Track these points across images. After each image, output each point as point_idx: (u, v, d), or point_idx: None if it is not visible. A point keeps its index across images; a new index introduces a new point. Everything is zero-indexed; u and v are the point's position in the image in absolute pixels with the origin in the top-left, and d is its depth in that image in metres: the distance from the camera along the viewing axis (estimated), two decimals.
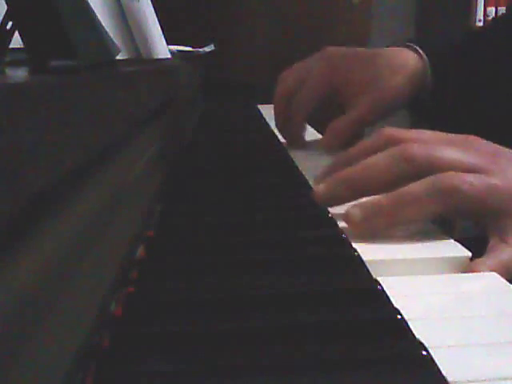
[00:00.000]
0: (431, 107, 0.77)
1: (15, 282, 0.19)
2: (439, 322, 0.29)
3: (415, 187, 0.41)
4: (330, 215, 0.44)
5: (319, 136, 0.93)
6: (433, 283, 0.34)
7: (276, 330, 0.27)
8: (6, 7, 0.34)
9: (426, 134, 0.46)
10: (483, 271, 0.37)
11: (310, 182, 0.55)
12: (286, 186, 0.56)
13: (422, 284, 0.34)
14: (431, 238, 0.42)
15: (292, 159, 0.69)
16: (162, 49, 0.77)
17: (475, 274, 0.37)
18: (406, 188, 0.41)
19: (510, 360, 0.26)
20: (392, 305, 0.29)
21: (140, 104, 0.46)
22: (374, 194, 0.44)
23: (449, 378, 0.23)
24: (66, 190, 0.25)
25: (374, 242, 0.41)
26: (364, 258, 0.36)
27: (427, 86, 0.75)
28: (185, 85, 0.88)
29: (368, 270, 0.34)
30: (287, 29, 2.01)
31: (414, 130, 0.46)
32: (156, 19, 0.78)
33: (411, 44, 0.77)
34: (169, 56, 0.81)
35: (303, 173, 0.60)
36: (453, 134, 0.45)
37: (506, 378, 0.24)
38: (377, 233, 0.41)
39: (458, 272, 0.38)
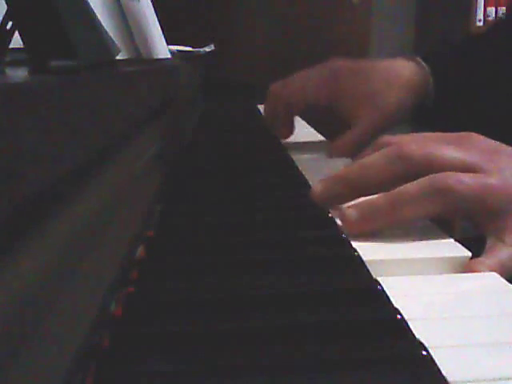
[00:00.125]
0: (434, 115, 0.77)
1: (15, 282, 0.19)
2: (439, 322, 0.29)
3: (411, 187, 0.41)
4: (329, 215, 0.44)
5: (319, 136, 0.93)
6: (433, 283, 0.34)
7: (276, 330, 0.27)
8: (5, 7, 0.34)
9: (423, 134, 0.46)
10: (482, 271, 0.37)
11: (310, 183, 0.55)
12: (286, 186, 0.56)
13: (422, 284, 0.34)
14: (431, 237, 0.42)
15: (292, 159, 0.69)
16: (162, 49, 0.77)
17: (475, 274, 0.37)
18: (402, 188, 0.41)
19: (510, 360, 0.26)
20: (392, 305, 0.29)
21: (140, 104, 0.46)
22: (372, 194, 0.44)
23: (449, 378, 0.23)
24: (65, 190, 0.25)
25: (373, 242, 0.41)
26: (364, 258, 0.36)
27: (430, 94, 0.75)
28: (185, 85, 0.88)
29: (368, 270, 0.34)
30: (287, 29, 2.01)
31: (410, 134, 0.46)
32: (156, 19, 0.78)
33: (411, 55, 0.77)
34: (169, 56, 0.81)
35: (303, 173, 0.60)
36: (450, 133, 0.45)
37: (506, 378, 0.24)
38: (373, 233, 0.41)
39: (457, 272, 0.38)
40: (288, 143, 0.83)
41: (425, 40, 2.39)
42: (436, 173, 0.41)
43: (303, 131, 0.92)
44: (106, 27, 0.47)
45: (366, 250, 0.37)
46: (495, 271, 0.37)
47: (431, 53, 0.79)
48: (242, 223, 0.44)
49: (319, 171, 0.57)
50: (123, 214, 0.36)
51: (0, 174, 0.17)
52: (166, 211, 0.47)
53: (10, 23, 0.35)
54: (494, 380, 0.24)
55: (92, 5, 0.44)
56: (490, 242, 0.40)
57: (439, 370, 0.24)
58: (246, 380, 0.24)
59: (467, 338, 0.27)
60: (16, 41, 0.35)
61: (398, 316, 0.28)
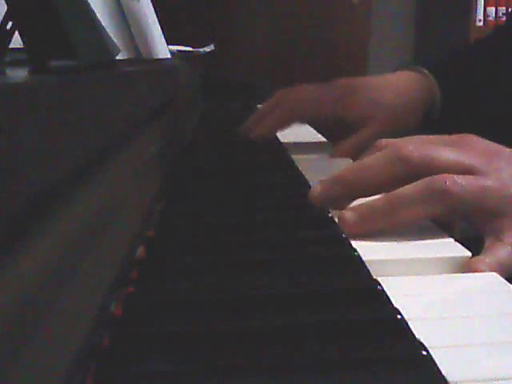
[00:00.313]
0: (441, 124, 0.77)
1: (15, 282, 0.19)
2: (439, 322, 0.29)
3: (410, 189, 0.41)
4: (329, 215, 0.44)
5: (319, 136, 0.93)
6: (433, 283, 0.34)
7: (276, 330, 0.27)
8: (6, 7, 0.34)
9: (421, 137, 0.46)
10: (482, 269, 0.37)
11: (310, 183, 0.55)
12: (286, 186, 0.56)
13: (422, 284, 0.34)
14: (431, 237, 0.42)
15: (292, 159, 0.69)
16: (162, 49, 0.77)
17: (475, 274, 0.37)
18: (400, 190, 0.41)
19: (510, 360, 0.26)
20: (392, 305, 0.29)
21: (140, 104, 0.46)
22: (370, 195, 0.44)
23: (449, 378, 0.23)
24: (65, 190, 0.25)
25: (373, 242, 0.41)
26: (364, 258, 0.36)
27: (436, 104, 0.76)
28: (185, 85, 0.88)
29: (368, 270, 0.34)
30: (287, 29, 2.01)
31: (408, 137, 0.47)
32: (156, 19, 0.78)
33: (415, 66, 0.78)
34: (169, 56, 0.81)
35: (303, 173, 0.60)
36: (448, 135, 0.45)
37: (506, 378, 0.24)
38: (371, 234, 0.41)
39: (457, 272, 0.38)
40: (288, 143, 0.83)
41: (425, 40, 2.39)
42: (434, 174, 0.41)
43: (303, 131, 0.92)
44: (106, 27, 0.47)
45: (366, 250, 0.37)
46: (494, 270, 0.37)
47: (435, 62, 0.80)
48: (242, 223, 0.44)
49: (319, 171, 0.57)
50: (123, 214, 0.36)
51: (0, 174, 0.17)
52: (166, 211, 0.47)
53: (10, 23, 0.35)
54: (494, 380, 0.24)
55: (92, 5, 0.44)
56: (488, 241, 0.40)
57: (439, 370, 0.24)
58: (246, 380, 0.24)
59: (467, 338, 0.27)
60: (16, 41, 0.35)
61: (398, 316, 0.28)
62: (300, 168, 0.63)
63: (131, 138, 0.42)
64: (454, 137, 0.45)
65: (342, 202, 0.45)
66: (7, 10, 0.34)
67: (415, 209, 0.41)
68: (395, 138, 0.47)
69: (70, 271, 0.24)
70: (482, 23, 2.22)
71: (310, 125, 0.94)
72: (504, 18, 2.22)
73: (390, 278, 0.34)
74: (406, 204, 0.41)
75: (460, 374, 0.24)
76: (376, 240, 0.41)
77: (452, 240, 0.41)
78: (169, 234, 0.42)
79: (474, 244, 0.40)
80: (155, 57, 0.74)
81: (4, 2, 0.33)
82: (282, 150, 0.77)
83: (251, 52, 1.99)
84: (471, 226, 0.43)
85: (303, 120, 0.82)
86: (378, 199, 0.42)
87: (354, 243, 0.39)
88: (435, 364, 0.24)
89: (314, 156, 0.75)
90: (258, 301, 0.30)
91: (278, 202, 0.50)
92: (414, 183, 0.41)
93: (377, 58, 2.21)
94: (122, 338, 0.26)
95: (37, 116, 0.21)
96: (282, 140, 0.84)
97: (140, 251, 0.37)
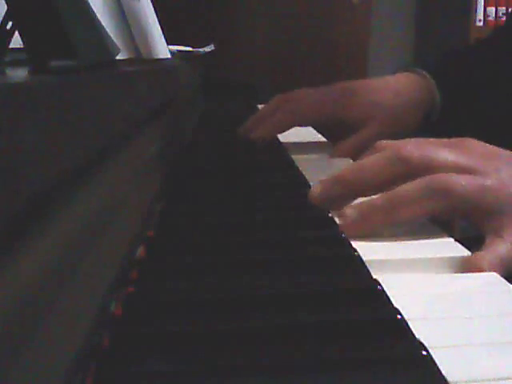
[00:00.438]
0: (442, 124, 0.78)
1: (15, 282, 0.19)
2: (439, 322, 0.29)
3: (409, 187, 0.41)
4: (329, 215, 0.44)
5: (319, 136, 0.93)
6: (432, 283, 0.34)
7: (276, 330, 0.27)
8: (5, 7, 0.34)
9: (420, 139, 0.46)
10: (483, 266, 0.37)
11: (310, 183, 0.55)
12: (286, 186, 0.56)
13: (422, 283, 0.34)
14: (431, 237, 0.42)
15: (292, 159, 0.69)
16: (162, 49, 0.77)
17: (475, 274, 0.37)
18: (400, 188, 0.42)
19: (510, 360, 0.26)
20: (392, 305, 0.29)
21: (140, 104, 0.46)
22: (370, 195, 0.44)
23: (449, 378, 0.23)
24: (66, 189, 0.25)
25: (373, 242, 0.41)
26: (364, 257, 0.36)
27: (436, 104, 0.76)
28: (185, 85, 0.88)
29: (368, 270, 0.34)
30: (287, 29, 2.01)
31: (407, 139, 0.47)
32: (156, 19, 0.78)
33: (414, 68, 0.78)
34: (169, 56, 0.81)
35: (303, 173, 0.60)
36: (447, 139, 0.46)
37: (505, 378, 0.24)
38: (371, 233, 0.42)
39: (457, 272, 0.38)
40: (288, 143, 0.83)
41: (425, 40, 2.39)
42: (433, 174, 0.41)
43: (303, 131, 0.92)
44: (106, 27, 0.47)
45: (366, 250, 0.37)
46: (495, 266, 0.37)
47: (435, 64, 0.80)
48: (242, 223, 0.44)
49: (319, 171, 0.57)
50: (123, 214, 0.36)
51: (0, 173, 0.17)
52: (166, 211, 0.47)
53: (10, 23, 0.35)
54: (493, 380, 0.24)
55: (92, 5, 0.44)
56: (488, 239, 0.40)
57: (439, 370, 0.24)
58: (246, 380, 0.24)
59: (467, 338, 0.27)
60: (16, 41, 0.35)
61: (398, 316, 0.28)
62: (300, 168, 0.63)
63: (131, 138, 0.42)
64: (452, 140, 0.45)
65: (341, 201, 0.46)
66: (7, 10, 0.34)
67: (415, 207, 0.41)
68: (395, 139, 0.47)
69: (69, 271, 0.24)
70: (481, 23, 2.22)
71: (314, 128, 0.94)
72: (504, 18, 2.22)
73: (389, 275, 0.34)
74: (406, 202, 0.41)
75: (460, 374, 0.24)
76: (376, 240, 0.41)
77: (452, 240, 0.41)
78: (169, 234, 0.42)
79: (474, 244, 0.40)
80: (155, 57, 0.74)
81: (4, 2, 0.33)
82: (282, 150, 0.77)
83: (251, 52, 1.99)
84: (471, 225, 0.43)
85: (304, 123, 0.82)
86: (378, 197, 0.42)
87: (354, 243, 0.39)
88: (435, 364, 0.24)
89: (313, 156, 0.75)
90: (258, 301, 0.30)
91: (278, 201, 0.50)
92: (415, 181, 0.41)
93: (377, 58, 2.21)
94: (122, 337, 0.26)
95: (37, 116, 0.21)
96: (281, 140, 0.84)
97: (140, 251, 0.37)
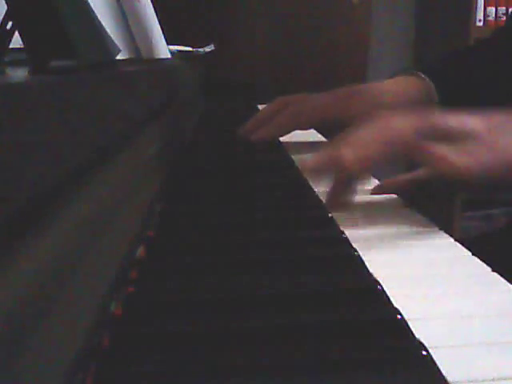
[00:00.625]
0: None
1: (15, 282, 0.19)
2: (439, 322, 0.29)
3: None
4: (330, 215, 0.44)
5: (319, 136, 0.93)
6: (432, 283, 0.34)
7: (276, 330, 0.27)
8: (5, 7, 0.34)
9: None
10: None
11: (311, 183, 0.55)
12: (286, 186, 0.56)
13: (422, 283, 0.34)
14: (431, 237, 0.42)
15: (292, 159, 0.69)
16: (162, 49, 0.77)
17: (475, 274, 0.37)
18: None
19: (510, 360, 0.26)
20: (392, 305, 0.29)
21: (140, 104, 0.46)
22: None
23: (449, 378, 0.23)
24: (65, 189, 0.25)
25: (374, 243, 0.41)
26: (364, 257, 0.36)
27: (435, 107, 0.77)
28: (185, 85, 0.88)
29: (368, 270, 0.34)
30: (287, 29, 2.01)
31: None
32: (156, 19, 0.78)
33: (413, 71, 0.78)
34: (169, 56, 0.81)
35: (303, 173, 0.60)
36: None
37: (506, 378, 0.24)
38: (371, 235, 0.42)
39: (457, 272, 0.38)
40: (288, 143, 0.83)
41: (425, 40, 2.39)
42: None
43: (303, 131, 0.92)
44: (106, 27, 0.47)
45: (366, 251, 0.37)
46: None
47: (434, 66, 0.80)
48: (242, 223, 0.44)
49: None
50: (123, 214, 0.36)
51: (0, 173, 0.17)
52: (166, 211, 0.47)
53: (10, 23, 0.35)
54: (494, 380, 0.24)
55: (92, 5, 0.44)
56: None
57: (439, 370, 0.24)
58: (246, 380, 0.24)
59: (467, 337, 0.27)
60: (16, 41, 0.35)
61: (398, 316, 0.28)
62: (300, 168, 0.63)
63: (131, 138, 0.42)
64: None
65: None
66: (7, 9, 0.34)
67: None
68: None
69: (69, 271, 0.24)
70: (481, 23, 2.22)
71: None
72: (504, 18, 2.22)
73: (392, 278, 0.34)
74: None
75: (460, 374, 0.24)
76: (376, 240, 0.41)
77: (452, 240, 0.41)
78: (169, 233, 0.42)
79: (474, 244, 0.40)
80: (155, 57, 0.74)
81: (4, 2, 0.33)
82: (282, 150, 0.77)
83: (251, 52, 1.99)
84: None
85: (305, 126, 0.82)
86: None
87: (355, 244, 0.39)
88: (435, 364, 0.24)
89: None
90: (258, 301, 0.30)
91: (278, 201, 0.50)
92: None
93: (377, 57, 2.21)
94: (122, 337, 0.26)
95: (37, 116, 0.21)
96: (281, 140, 0.84)
97: (140, 251, 0.37)
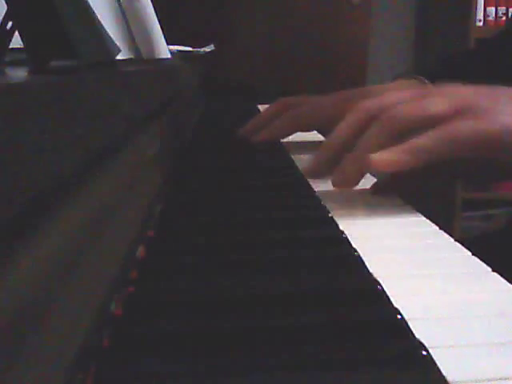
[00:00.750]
0: None
1: (15, 282, 0.19)
2: (439, 322, 0.29)
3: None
4: (330, 215, 0.44)
5: (319, 136, 0.93)
6: (432, 283, 0.34)
7: (276, 330, 0.27)
8: (5, 7, 0.34)
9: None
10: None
11: (311, 183, 0.55)
12: (286, 186, 0.56)
13: (422, 284, 0.34)
14: (431, 237, 0.42)
15: (292, 159, 0.69)
16: (162, 49, 0.77)
17: (475, 274, 0.37)
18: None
19: (510, 360, 0.26)
20: (392, 305, 0.29)
21: (140, 104, 0.46)
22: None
23: (449, 378, 0.23)
24: (66, 189, 0.25)
25: (373, 243, 0.41)
26: (364, 257, 0.36)
27: None
28: (185, 85, 0.88)
29: (368, 270, 0.34)
30: (287, 29, 2.01)
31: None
32: (156, 19, 0.78)
33: (413, 75, 0.79)
34: (169, 56, 0.81)
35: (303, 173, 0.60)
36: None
37: (506, 378, 0.24)
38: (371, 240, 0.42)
39: (458, 272, 0.38)
40: (288, 143, 0.83)
41: (425, 40, 2.39)
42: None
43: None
44: (106, 27, 0.47)
45: (366, 252, 0.37)
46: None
47: (434, 70, 0.81)
48: (241, 223, 0.44)
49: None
50: (123, 214, 0.36)
51: (0, 173, 0.17)
52: (166, 211, 0.47)
53: (10, 23, 0.35)
54: (493, 380, 0.24)
55: (92, 5, 0.44)
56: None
57: (439, 370, 0.24)
58: (246, 380, 0.24)
59: (467, 338, 0.27)
60: (16, 41, 0.35)
61: (398, 316, 0.28)
62: (300, 168, 0.63)
63: (131, 138, 0.42)
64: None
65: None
66: (7, 9, 0.34)
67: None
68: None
69: (69, 271, 0.24)
70: (481, 23, 2.22)
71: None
72: (504, 18, 2.22)
73: (390, 274, 0.34)
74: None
75: (460, 373, 0.24)
76: (375, 240, 0.41)
77: (452, 240, 0.41)
78: (169, 233, 0.42)
79: (474, 244, 0.40)
80: (155, 57, 0.74)
81: (4, 2, 0.33)
82: (282, 149, 0.77)
83: (251, 52, 1.99)
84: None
85: (306, 129, 0.82)
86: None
87: (355, 244, 0.39)
88: (435, 364, 0.24)
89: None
90: (258, 301, 0.30)
91: (278, 201, 0.50)
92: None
93: (376, 58, 2.21)
94: (122, 337, 0.26)
95: (37, 116, 0.21)
96: (282, 140, 0.84)
97: (140, 251, 0.37)
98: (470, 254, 0.39)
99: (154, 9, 0.79)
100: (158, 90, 0.56)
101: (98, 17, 0.45)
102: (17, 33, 0.34)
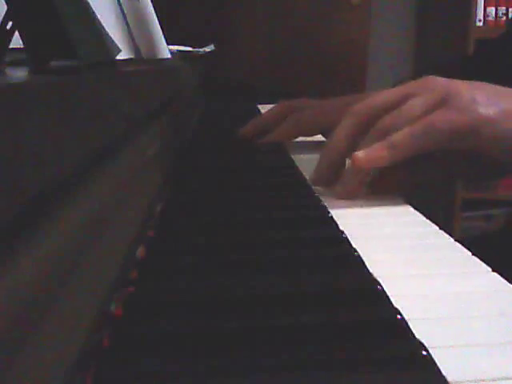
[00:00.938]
0: None
1: (15, 282, 0.19)
2: (439, 322, 0.29)
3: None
4: (330, 215, 0.44)
5: (319, 136, 0.93)
6: (433, 283, 0.34)
7: (276, 330, 0.27)
8: (5, 7, 0.34)
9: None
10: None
11: (310, 183, 0.55)
12: (286, 186, 0.56)
13: (422, 284, 0.34)
14: (431, 237, 0.42)
15: (292, 159, 0.69)
16: (162, 49, 0.77)
17: (475, 274, 0.37)
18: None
19: (510, 360, 0.26)
20: (392, 305, 0.29)
21: (140, 104, 0.46)
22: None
23: (449, 378, 0.23)
24: (66, 189, 0.25)
25: (373, 242, 0.41)
26: (364, 256, 0.36)
27: None
28: (185, 85, 0.88)
29: (368, 270, 0.34)
30: (287, 29, 2.01)
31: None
32: (156, 19, 0.78)
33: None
34: (169, 56, 0.81)
35: (303, 173, 0.60)
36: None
37: (506, 378, 0.24)
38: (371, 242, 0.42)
39: (457, 272, 0.38)
40: (288, 143, 0.83)
41: (425, 41, 2.39)
42: None
43: None
44: (106, 27, 0.47)
45: (367, 252, 0.37)
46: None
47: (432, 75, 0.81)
48: (241, 223, 0.44)
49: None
50: (123, 214, 0.36)
51: (0, 173, 0.17)
52: (165, 211, 0.47)
53: (10, 23, 0.35)
54: (493, 380, 0.24)
55: (92, 5, 0.44)
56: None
57: (439, 370, 0.24)
58: (246, 380, 0.24)
59: (467, 338, 0.27)
60: (16, 41, 0.35)
61: (398, 316, 0.28)
62: (300, 168, 0.63)
63: (131, 138, 0.42)
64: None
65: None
66: (7, 9, 0.34)
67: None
68: None
69: (70, 271, 0.24)
70: (481, 23, 2.22)
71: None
72: (504, 18, 2.22)
73: (390, 274, 0.34)
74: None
75: (460, 373, 0.24)
76: (375, 240, 0.41)
77: (452, 240, 0.41)
78: (169, 233, 0.42)
79: (474, 244, 0.40)
80: (155, 57, 0.74)
81: (4, 2, 0.33)
82: (282, 149, 0.77)
83: (251, 52, 1.99)
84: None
85: (309, 134, 0.82)
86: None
87: (355, 244, 0.39)
88: (435, 364, 0.24)
89: (314, 156, 0.75)
90: (258, 301, 0.30)
91: (278, 201, 0.50)
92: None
93: (376, 58, 2.21)
94: (122, 337, 0.26)
95: (37, 116, 0.21)
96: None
97: (140, 251, 0.37)
98: (470, 253, 0.39)
99: (154, 9, 0.79)
100: (158, 90, 0.56)
101: (98, 17, 0.45)
102: (17, 33, 0.34)
